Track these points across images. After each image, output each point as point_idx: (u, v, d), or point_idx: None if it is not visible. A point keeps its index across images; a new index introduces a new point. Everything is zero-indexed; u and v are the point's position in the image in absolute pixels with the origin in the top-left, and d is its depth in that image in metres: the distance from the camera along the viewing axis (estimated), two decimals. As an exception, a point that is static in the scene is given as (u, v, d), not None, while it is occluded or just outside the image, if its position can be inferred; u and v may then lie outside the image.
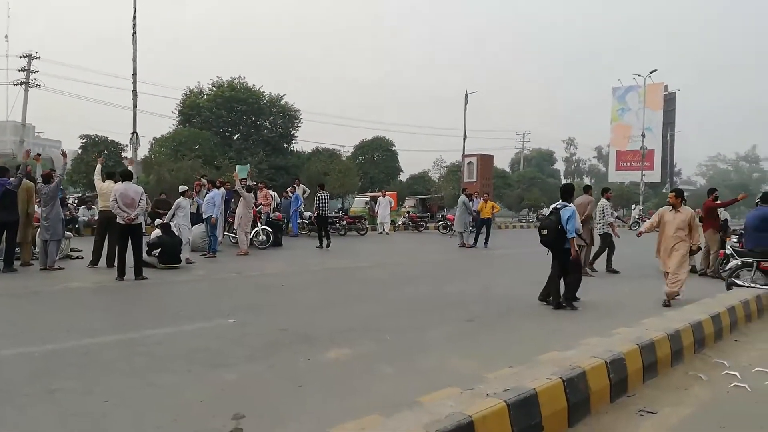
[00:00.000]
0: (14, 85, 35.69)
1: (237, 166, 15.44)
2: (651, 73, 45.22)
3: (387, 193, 25.39)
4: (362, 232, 22.16)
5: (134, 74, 21.22)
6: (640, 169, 46.31)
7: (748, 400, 4.21)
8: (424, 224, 26.70)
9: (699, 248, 8.30)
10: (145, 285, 8.99)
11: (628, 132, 58.74)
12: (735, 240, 10.86)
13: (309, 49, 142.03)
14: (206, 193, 14.44)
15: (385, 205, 23.53)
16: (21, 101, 35.15)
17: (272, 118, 39.46)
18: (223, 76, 38.90)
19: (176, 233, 11.42)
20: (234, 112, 37.62)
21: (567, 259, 7.53)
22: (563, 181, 78.13)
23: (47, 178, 10.34)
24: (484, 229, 17.66)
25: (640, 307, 7.59)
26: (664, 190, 57.25)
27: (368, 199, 28.77)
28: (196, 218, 15.06)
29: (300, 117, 40.30)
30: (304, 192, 20.56)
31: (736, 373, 4.72)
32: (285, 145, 40.25)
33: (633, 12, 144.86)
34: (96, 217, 14.36)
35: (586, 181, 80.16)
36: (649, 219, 8.55)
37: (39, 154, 13.06)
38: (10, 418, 3.50)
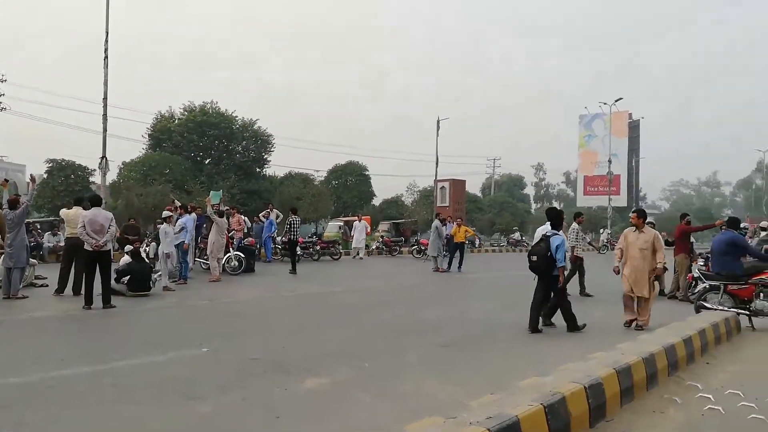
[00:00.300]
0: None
1: (211, 192, 15.26)
2: (616, 101, 46.65)
3: (362, 217, 25.39)
4: (336, 257, 22.03)
5: (105, 98, 20.93)
6: (608, 193, 47.38)
7: (722, 423, 4.26)
8: (398, 248, 26.71)
9: (665, 269, 8.45)
10: (114, 313, 8.72)
11: (594, 158, 60.19)
12: (702, 263, 11.13)
13: (283, 76, 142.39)
14: (177, 219, 14.22)
15: (360, 229, 23.50)
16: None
17: (244, 142, 39.24)
18: (196, 100, 38.70)
19: (161, 260, 11.34)
20: (206, 136, 37.30)
21: (554, 286, 7.67)
22: (533, 206, 79.64)
23: (13, 204, 10.03)
24: (457, 254, 17.75)
25: (614, 330, 7.69)
26: (630, 214, 58.56)
27: (342, 223, 28.69)
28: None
29: (273, 142, 40.23)
30: (278, 217, 20.41)
31: (709, 396, 4.78)
32: (257, 170, 39.97)
33: (599, 43, 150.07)
34: (62, 243, 13.96)
35: (555, 205, 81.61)
36: (617, 244, 8.58)
37: (6, 180, 12.70)
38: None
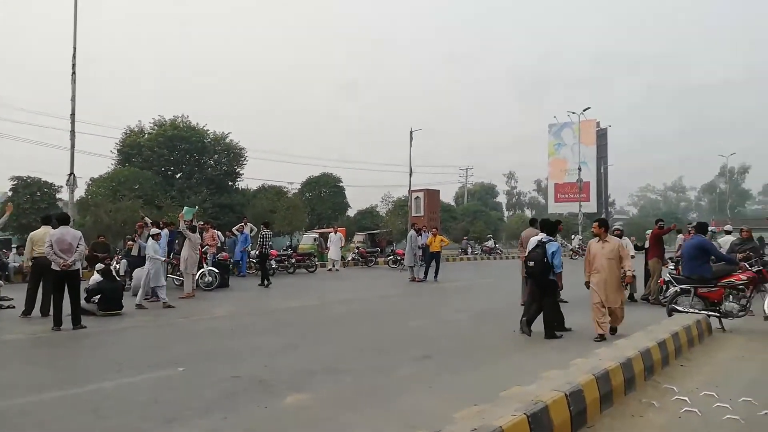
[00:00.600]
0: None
1: (184, 208, 15.03)
2: (584, 110, 47.70)
3: (338, 229, 25.31)
4: (311, 270, 21.89)
5: (72, 114, 20.49)
6: (578, 200, 48.25)
7: (699, 424, 4.36)
8: (374, 259, 26.67)
9: (633, 276, 8.59)
10: (85, 334, 8.49)
11: (564, 165, 61.39)
12: (672, 267, 11.40)
13: (256, 87, 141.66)
14: (149, 235, 13.96)
15: (336, 241, 23.39)
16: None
17: (216, 156, 38.88)
18: (166, 114, 38.20)
19: (145, 277, 11.31)
20: (176, 150, 36.84)
21: (548, 291, 7.86)
22: (506, 214, 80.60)
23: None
24: (433, 263, 17.83)
25: (590, 336, 7.79)
26: (593, 225, 59.73)
27: (317, 235, 28.54)
28: (139, 261, 14.49)
29: (245, 155, 39.93)
30: (252, 230, 20.20)
31: (685, 398, 4.88)
32: (230, 183, 39.60)
33: (568, 55, 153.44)
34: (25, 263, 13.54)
35: (528, 213, 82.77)
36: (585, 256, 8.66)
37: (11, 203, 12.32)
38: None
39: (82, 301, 9.51)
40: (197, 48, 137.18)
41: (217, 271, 15.10)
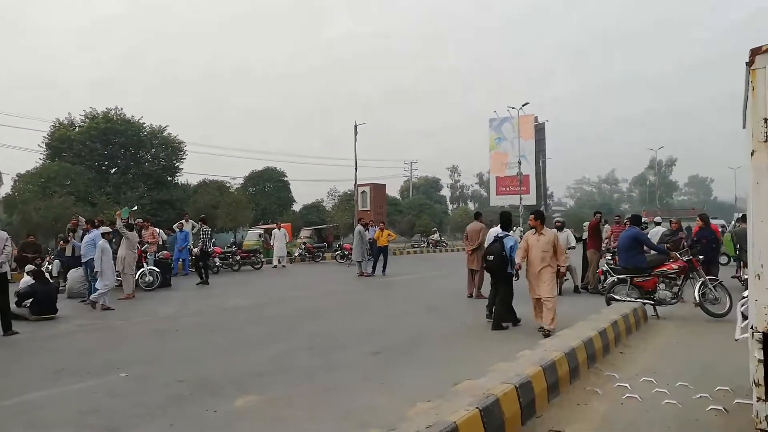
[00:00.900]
0: None
1: (124, 209, 14.40)
2: (523, 106, 49.05)
3: (281, 224, 24.93)
4: (257, 266, 21.50)
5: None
6: (518, 193, 49.64)
7: (640, 410, 4.56)
8: (321, 254, 26.49)
9: (568, 269, 8.87)
10: (17, 341, 8.02)
11: (505, 159, 62.85)
12: (609, 257, 11.90)
13: (195, 80, 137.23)
14: (83, 234, 13.32)
15: (281, 237, 23.05)
16: None
17: (154, 150, 37.47)
18: (98, 107, 36.42)
19: (103, 279, 10.90)
20: (111, 144, 35.24)
21: (505, 283, 8.12)
22: (450, 207, 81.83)
23: None
24: (381, 257, 17.90)
25: (535, 326, 8.02)
26: (540, 210, 61.67)
27: (262, 231, 28.05)
28: (72, 261, 13.82)
29: (185, 149, 38.68)
30: (193, 227, 19.59)
31: (626, 385, 5.11)
32: (169, 179, 38.26)
33: (509, 48, 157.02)
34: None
35: (471, 205, 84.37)
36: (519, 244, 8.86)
37: None
38: None
39: (13, 306, 8.99)
40: (130, 39, 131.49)
41: (158, 270, 14.58)
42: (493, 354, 6.13)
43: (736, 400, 4.55)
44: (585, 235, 13.18)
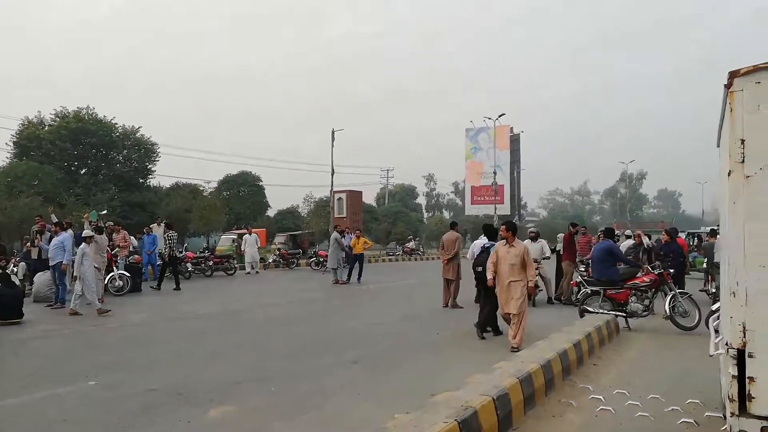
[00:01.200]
0: None
1: (92, 211, 14.10)
2: (499, 116, 49.74)
3: (254, 230, 24.66)
4: (230, 272, 21.22)
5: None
6: (493, 202, 50.15)
7: (615, 422, 4.62)
8: (296, 261, 26.26)
9: (536, 286, 8.91)
10: (-21, 347, 7.74)
11: (480, 169, 63.47)
12: (583, 269, 12.07)
13: (169, 81, 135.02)
14: (51, 237, 12.95)
15: (252, 243, 22.77)
16: None
17: (126, 151, 36.84)
18: (69, 106, 35.66)
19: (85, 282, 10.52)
20: (81, 144, 34.53)
21: (493, 292, 8.05)
22: (425, 215, 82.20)
23: None
24: (357, 265, 17.85)
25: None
26: (513, 221, 62.47)
27: (235, 236, 27.71)
28: (39, 265, 13.43)
29: (157, 151, 38.11)
30: (165, 231, 19.23)
31: (600, 397, 5.17)
32: (141, 181, 37.64)
33: (487, 55, 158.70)
34: None
35: (446, 214, 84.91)
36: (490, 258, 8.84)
37: None
38: None
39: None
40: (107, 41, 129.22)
41: (128, 274, 14.30)
42: (469, 364, 6.15)
43: (706, 413, 4.64)
44: (560, 247, 13.35)
